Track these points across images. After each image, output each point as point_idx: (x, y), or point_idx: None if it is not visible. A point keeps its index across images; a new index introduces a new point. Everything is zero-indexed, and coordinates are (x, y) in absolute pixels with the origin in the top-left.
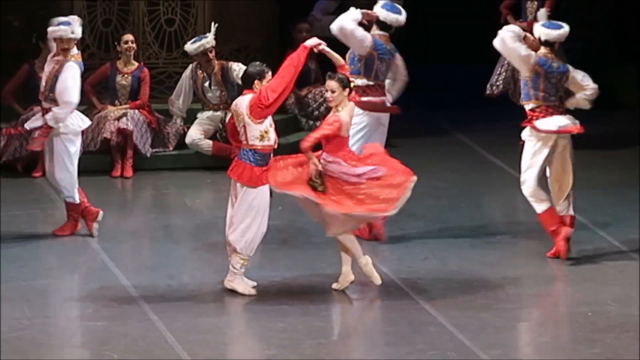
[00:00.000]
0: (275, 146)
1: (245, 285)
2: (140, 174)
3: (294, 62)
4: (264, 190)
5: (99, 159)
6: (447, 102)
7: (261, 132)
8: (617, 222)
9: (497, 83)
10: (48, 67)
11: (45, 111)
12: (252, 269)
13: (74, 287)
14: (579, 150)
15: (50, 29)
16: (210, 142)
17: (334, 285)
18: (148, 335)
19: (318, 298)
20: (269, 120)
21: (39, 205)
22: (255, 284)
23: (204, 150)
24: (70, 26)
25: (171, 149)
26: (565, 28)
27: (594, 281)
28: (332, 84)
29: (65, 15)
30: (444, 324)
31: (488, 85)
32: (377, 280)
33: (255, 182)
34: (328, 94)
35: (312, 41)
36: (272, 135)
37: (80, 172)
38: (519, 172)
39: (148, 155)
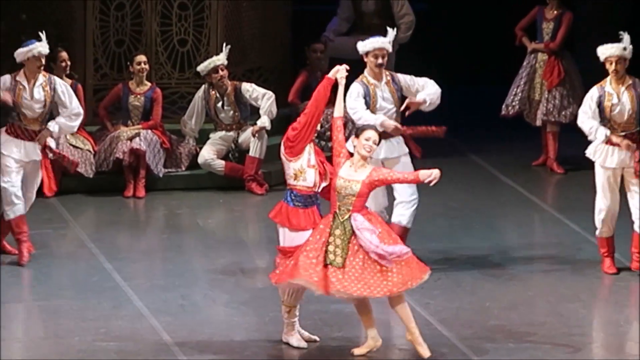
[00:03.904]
0: (317, 190)
1: (295, 339)
2: (153, 194)
3: (316, 96)
4: (304, 235)
5: (111, 179)
6: (461, 122)
7: (295, 171)
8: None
9: (513, 103)
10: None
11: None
12: (264, 290)
13: (86, 306)
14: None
15: (27, 49)
16: (223, 162)
17: (356, 351)
18: (161, 356)
19: (331, 319)
20: (305, 161)
21: (51, 225)
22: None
23: (216, 170)
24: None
25: (184, 169)
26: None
27: (606, 301)
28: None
29: (79, 35)
30: (456, 345)
31: (503, 106)
32: (426, 353)
33: (290, 222)
34: (371, 143)
35: (335, 71)
36: (310, 176)
37: (93, 192)
38: (532, 193)
39: (161, 175)
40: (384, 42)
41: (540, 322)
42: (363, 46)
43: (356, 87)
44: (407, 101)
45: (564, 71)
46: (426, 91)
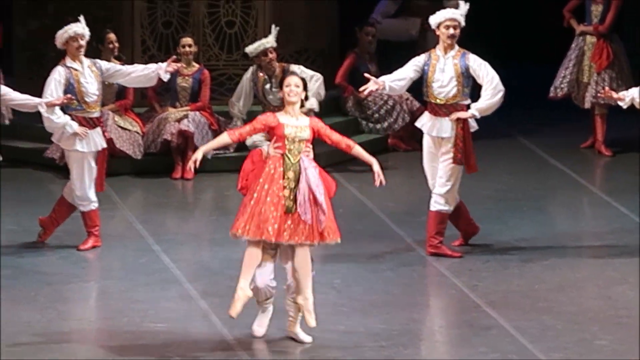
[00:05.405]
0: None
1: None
2: (201, 176)
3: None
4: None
5: (159, 160)
6: (508, 103)
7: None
8: None
9: (561, 86)
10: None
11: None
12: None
13: (135, 288)
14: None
15: (62, 31)
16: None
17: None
18: (209, 337)
19: (378, 300)
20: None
21: (100, 207)
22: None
23: None
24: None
25: (232, 150)
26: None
27: None
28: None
29: (126, 17)
30: (505, 327)
31: (552, 88)
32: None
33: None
34: (292, 88)
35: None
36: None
37: (141, 174)
38: (581, 176)
39: (209, 157)
40: (456, 13)
41: (588, 305)
42: (434, 18)
43: (417, 57)
44: (457, 114)
45: (613, 54)
46: (482, 102)
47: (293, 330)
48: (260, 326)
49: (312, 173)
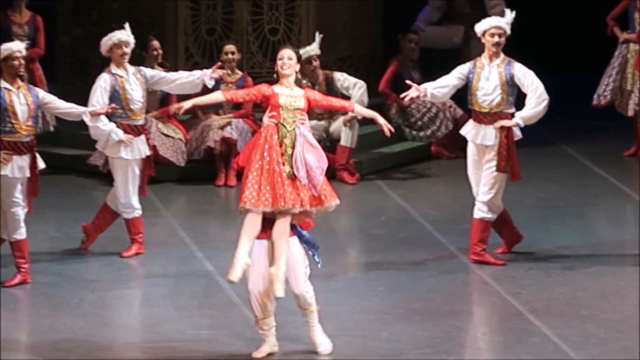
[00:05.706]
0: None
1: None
2: None
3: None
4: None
5: (202, 167)
6: (551, 112)
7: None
8: None
9: (605, 93)
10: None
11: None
12: (355, 279)
13: (178, 295)
14: None
15: (107, 39)
16: None
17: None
18: (253, 345)
19: (421, 307)
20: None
21: (143, 214)
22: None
23: None
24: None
25: None
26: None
27: None
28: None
29: (170, 24)
30: (548, 335)
31: (595, 96)
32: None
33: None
34: (285, 60)
35: None
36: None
37: (185, 181)
38: (624, 184)
39: None
40: (501, 21)
41: (631, 313)
42: (480, 25)
43: (462, 65)
44: (501, 122)
45: None
46: (526, 111)
47: (311, 335)
48: (259, 352)
49: (309, 137)
